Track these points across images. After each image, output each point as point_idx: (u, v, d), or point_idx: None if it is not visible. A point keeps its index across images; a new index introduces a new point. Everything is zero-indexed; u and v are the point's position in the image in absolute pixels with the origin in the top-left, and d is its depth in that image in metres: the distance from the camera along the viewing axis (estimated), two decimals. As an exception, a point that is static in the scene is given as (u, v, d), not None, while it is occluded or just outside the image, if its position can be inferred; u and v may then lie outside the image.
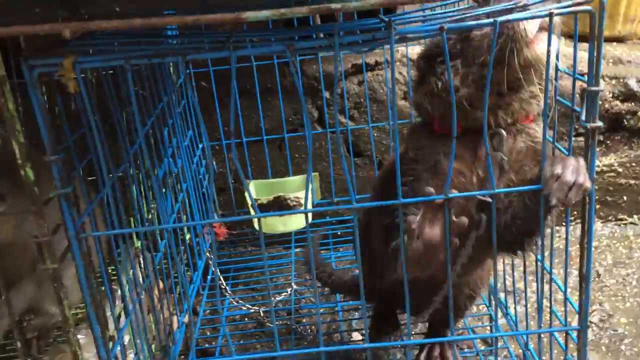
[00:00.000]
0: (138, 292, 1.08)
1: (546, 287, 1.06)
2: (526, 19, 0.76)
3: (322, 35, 0.85)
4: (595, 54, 0.77)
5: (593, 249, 1.81)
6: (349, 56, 1.85)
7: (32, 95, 0.75)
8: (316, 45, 0.75)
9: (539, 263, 1.02)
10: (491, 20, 0.74)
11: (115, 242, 0.97)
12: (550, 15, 0.75)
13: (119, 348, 0.97)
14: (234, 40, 0.83)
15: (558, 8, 0.76)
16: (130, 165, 1.09)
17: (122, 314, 1.05)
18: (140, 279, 1.18)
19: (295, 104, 1.86)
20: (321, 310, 1.61)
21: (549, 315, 1.11)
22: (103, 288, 1.02)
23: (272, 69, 1.78)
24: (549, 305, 1.07)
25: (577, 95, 0.87)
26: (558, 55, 0.89)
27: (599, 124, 0.80)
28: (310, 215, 1.73)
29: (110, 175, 0.90)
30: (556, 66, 0.90)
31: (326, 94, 1.84)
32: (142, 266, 1.15)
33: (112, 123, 1.06)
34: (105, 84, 1.01)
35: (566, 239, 0.96)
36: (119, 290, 1.09)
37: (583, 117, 0.81)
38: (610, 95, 1.90)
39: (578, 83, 0.87)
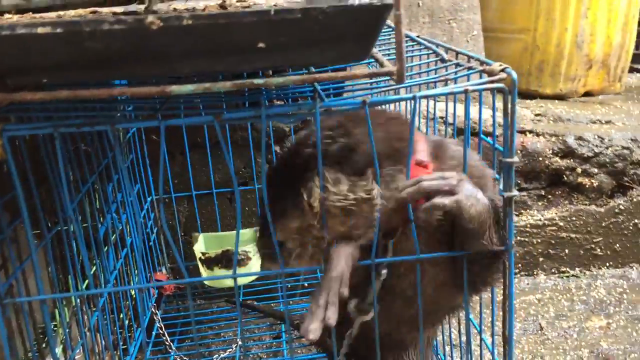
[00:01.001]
0: (70, 353, 1.06)
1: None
2: (443, 94, 0.81)
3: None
4: (509, 129, 0.81)
5: (538, 302, 1.86)
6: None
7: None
8: (244, 117, 0.77)
9: (470, 322, 1.05)
10: (410, 95, 0.78)
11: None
12: (466, 92, 0.80)
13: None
14: (167, 107, 0.85)
15: (472, 85, 0.80)
16: (67, 224, 1.09)
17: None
18: (78, 338, 1.16)
19: (245, 158, 1.88)
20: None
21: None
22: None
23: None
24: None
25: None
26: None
27: (515, 193, 0.84)
28: (257, 269, 1.74)
29: (35, 234, 0.90)
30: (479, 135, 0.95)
31: (276, 148, 1.87)
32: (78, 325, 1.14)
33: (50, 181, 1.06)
34: (42, 143, 1.02)
35: (492, 299, 0.99)
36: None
37: (500, 187, 0.85)
38: (550, 151, 1.98)
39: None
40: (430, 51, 1.09)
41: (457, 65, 0.98)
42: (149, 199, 1.80)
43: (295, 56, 0.74)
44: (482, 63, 0.92)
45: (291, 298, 1.87)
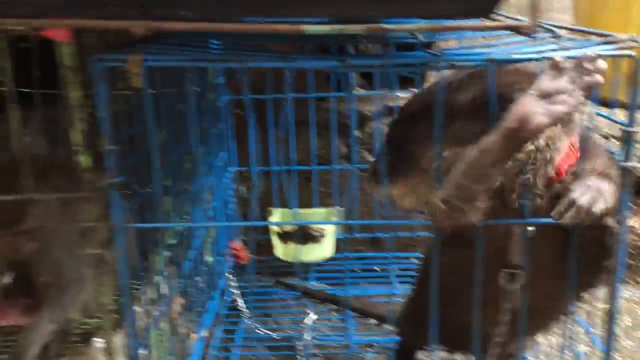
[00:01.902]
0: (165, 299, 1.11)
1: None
2: (576, 57, 0.79)
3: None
4: (636, 99, 0.80)
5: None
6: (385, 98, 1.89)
7: (98, 86, 0.79)
8: (370, 64, 0.78)
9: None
10: (539, 55, 0.78)
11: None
12: (599, 57, 0.78)
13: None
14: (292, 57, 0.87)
15: (604, 50, 0.79)
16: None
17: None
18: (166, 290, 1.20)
19: (325, 138, 1.90)
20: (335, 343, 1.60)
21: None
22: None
23: (306, 104, 1.83)
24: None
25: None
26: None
27: (636, 164, 0.83)
28: (330, 249, 1.76)
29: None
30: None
31: (356, 133, 1.88)
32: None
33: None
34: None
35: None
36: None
37: (622, 158, 0.84)
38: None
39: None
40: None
41: (573, 40, 0.97)
42: (230, 170, 1.85)
43: (422, 5, 0.74)
44: (604, 36, 0.90)
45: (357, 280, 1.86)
